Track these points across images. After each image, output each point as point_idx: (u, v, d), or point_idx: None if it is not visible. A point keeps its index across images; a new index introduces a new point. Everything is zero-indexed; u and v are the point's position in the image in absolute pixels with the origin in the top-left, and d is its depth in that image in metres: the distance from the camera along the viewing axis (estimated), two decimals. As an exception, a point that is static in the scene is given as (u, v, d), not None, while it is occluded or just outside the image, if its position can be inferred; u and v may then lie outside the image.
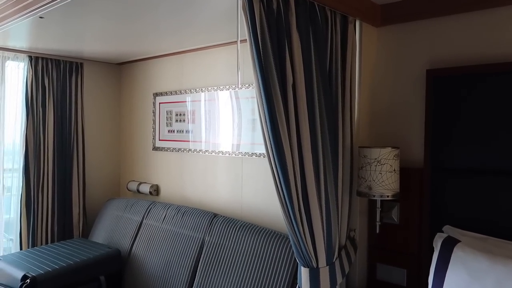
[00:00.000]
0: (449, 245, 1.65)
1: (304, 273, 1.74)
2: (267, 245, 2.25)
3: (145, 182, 3.49)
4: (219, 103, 2.92)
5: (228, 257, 2.39)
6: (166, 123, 3.35)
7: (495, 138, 1.75)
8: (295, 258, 2.11)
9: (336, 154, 1.82)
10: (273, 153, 1.57)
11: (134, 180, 3.62)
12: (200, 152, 3.06)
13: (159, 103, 3.40)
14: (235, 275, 2.31)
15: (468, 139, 1.82)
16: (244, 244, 2.35)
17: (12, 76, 3.14)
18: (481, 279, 1.47)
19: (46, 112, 3.21)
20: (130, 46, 3.00)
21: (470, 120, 1.81)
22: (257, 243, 2.29)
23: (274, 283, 2.14)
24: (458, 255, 1.58)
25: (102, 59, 3.56)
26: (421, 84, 2.03)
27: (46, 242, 3.23)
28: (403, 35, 2.11)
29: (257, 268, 2.24)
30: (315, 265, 1.73)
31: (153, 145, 3.46)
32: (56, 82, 3.27)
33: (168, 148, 3.32)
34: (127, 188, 3.62)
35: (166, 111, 3.34)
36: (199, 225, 2.64)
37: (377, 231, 2.01)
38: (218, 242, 2.48)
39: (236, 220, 2.53)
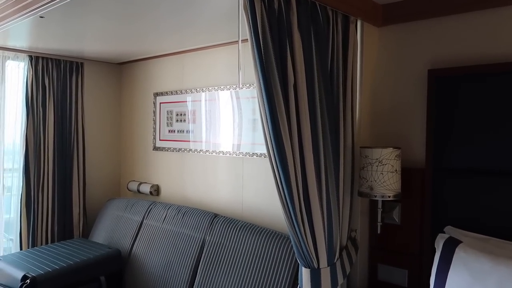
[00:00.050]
0: (451, 246, 1.64)
1: (305, 274, 1.73)
2: (267, 246, 2.25)
3: (146, 182, 3.49)
4: (219, 103, 2.92)
5: (229, 257, 2.38)
6: (167, 123, 3.34)
7: (497, 138, 1.74)
8: (295, 259, 2.10)
9: (338, 154, 1.81)
10: (274, 153, 1.56)
11: (134, 180, 3.61)
12: (201, 152, 3.05)
13: (160, 103, 3.40)
14: (235, 275, 2.30)
15: (470, 139, 1.81)
16: (245, 244, 2.34)
17: (12, 75, 3.13)
18: (483, 280, 1.47)
19: (46, 112, 3.20)
20: (131, 46, 3.00)
21: (472, 120, 1.81)
22: (258, 243, 2.29)
23: (275, 284, 2.13)
24: (460, 256, 1.58)
25: (102, 59, 3.55)
26: (423, 84, 2.03)
27: (46, 242, 3.23)
28: (405, 35, 2.10)
29: (257, 269, 2.23)
30: (316, 266, 1.72)
31: (154, 145, 3.46)
32: (57, 82, 3.27)
33: (169, 148, 3.32)
34: (127, 188, 3.61)
35: (167, 111, 3.34)
36: (200, 225, 2.63)
37: (378, 232, 2.01)
38: (219, 242, 2.47)
39: (237, 220, 2.52)
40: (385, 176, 1.84)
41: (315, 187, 1.65)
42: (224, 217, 2.60)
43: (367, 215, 2.12)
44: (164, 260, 2.68)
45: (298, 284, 1.82)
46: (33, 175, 3.15)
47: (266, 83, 1.52)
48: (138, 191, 3.48)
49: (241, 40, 1.76)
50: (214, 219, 2.61)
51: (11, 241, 3.19)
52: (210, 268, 2.44)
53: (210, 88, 2.98)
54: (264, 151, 2.62)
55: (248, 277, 2.24)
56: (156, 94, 3.43)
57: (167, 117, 3.34)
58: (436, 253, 1.71)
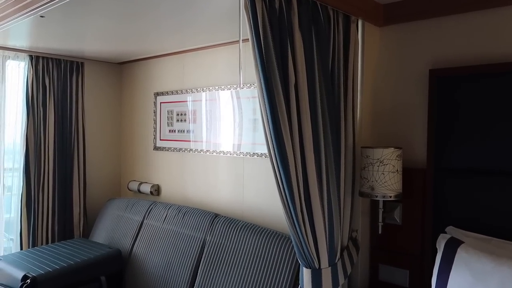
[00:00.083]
0: (453, 246, 1.64)
1: (306, 274, 1.73)
2: (268, 246, 2.24)
3: (146, 182, 3.48)
4: (220, 103, 2.91)
5: (230, 257, 2.38)
6: (167, 122, 3.34)
7: (498, 138, 1.74)
8: (296, 259, 2.10)
9: (339, 154, 1.81)
10: (275, 153, 1.56)
11: (135, 180, 3.61)
12: (201, 152, 3.05)
13: (160, 102, 3.40)
14: (236, 275, 2.30)
15: (471, 139, 1.81)
16: (246, 244, 2.34)
17: (13, 75, 3.13)
18: (485, 281, 1.46)
19: (46, 111, 3.20)
20: (131, 46, 2.99)
21: (473, 120, 1.80)
22: (259, 244, 2.28)
23: (276, 284, 2.13)
24: (461, 257, 1.57)
25: (103, 59, 3.55)
26: (424, 84, 2.02)
27: (47, 242, 3.22)
28: (406, 34, 2.10)
29: (258, 269, 2.22)
30: (317, 266, 1.71)
31: (154, 144, 3.45)
32: (57, 82, 3.26)
33: (169, 148, 3.31)
34: (127, 188, 3.61)
35: (167, 111, 3.34)
36: (200, 225, 2.63)
37: (380, 232, 2.00)
38: (219, 242, 2.46)
39: (238, 220, 2.52)
40: (386, 176, 1.84)
41: (316, 187, 1.65)
42: (225, 217, 2.59)
43: (368, 215, 2.12)
44: (165, 260, 2.67)
45: (299, 284, 1.81)
46: (34, 174, 3.15)
47: (267, 83, 1.51)
48: (139, 191, 3.48)
49: (242, 40, 1.75)
50: (214, 219, 2.61)
51: (12, 241, 3.19)
52: (211, 268, 2.43)
53: (210, 88, 2.97)
54: (265, 151, 2.62)
55: (249, 278, 2.24)
56: (157, 94, 3.42)
57: (167, 117, 3.34)
58: (437, 253, 1.71)
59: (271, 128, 1.54)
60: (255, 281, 2.21)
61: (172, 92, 3.28)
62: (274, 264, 2.18)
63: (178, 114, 3.25)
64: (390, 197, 1.84)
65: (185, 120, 3.19)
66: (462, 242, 1.64)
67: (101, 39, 2.79)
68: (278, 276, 2.13)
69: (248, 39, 1.52)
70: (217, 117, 2.93)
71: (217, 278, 2.38)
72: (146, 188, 3.40)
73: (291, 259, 2.13)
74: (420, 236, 1.97)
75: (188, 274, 2.52)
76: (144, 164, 3.57)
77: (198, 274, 2.48)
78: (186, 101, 3.17)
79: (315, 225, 1.67)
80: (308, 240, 1.66)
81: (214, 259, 2.44)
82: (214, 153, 2.95)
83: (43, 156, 3.19)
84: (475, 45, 1.89)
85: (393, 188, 1.85)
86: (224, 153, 2.88)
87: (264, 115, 1.55)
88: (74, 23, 2.35)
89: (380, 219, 1.98)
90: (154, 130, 3.45)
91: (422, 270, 1.95)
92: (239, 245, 2.36)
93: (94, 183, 3.62)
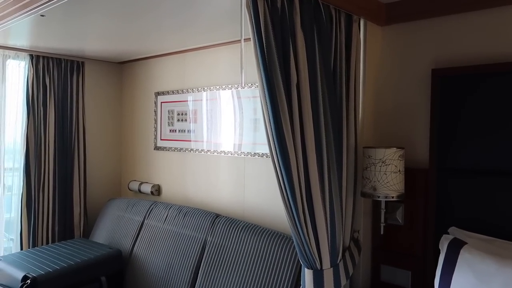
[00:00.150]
0: (456, 247, 1.62)
1: (307, 275, 1.72)
2: (269, 246, 2.23)
3: (147, 182, 3.47)
4: (221, 103, 2.90)
5: (230, 258, 2.37)
6: (168, 122, 3.33)
7: (502, 138, 1.72)
8: (298, 259, 2.09)
9: (341, 154, 1.80)
10: (277, 153, 1.55)
11: (135, 180, 3.60)
12: (202, 152, 3.04)
13: (161, 102, 3.39)
14: (237, 276, 2.29)
15: (474, 139, 1.80)
16: (247, 245, 2.33)
17: (13, 75, 3.12)
18: (489, 283, 1.45)
19: (47, 111, 3.19)
20: (132, 45, 2.98)
21: (476, 120, 1.79)
22: (260, 244, 2.27)
23: (277, 285, 2.12)
24: (465, 258, 1.56)
25: (103, 58, 3.54)
26: (426, 84, 2.01)
27: (47, 242, 3.22)
28: (408, 34, 2.09)
29: (259, 270, 2.21)
30: (319, 267, 1.70)
31: (155, 144, 3.44)
32: (57, 81, 3.25)
33: (170, 148, 3.30)
34: (128, 188, 3.60)
35: (168, 111, 3.33)
36: (201, 226, 2.62)
37: (382, 232, 1.99)
38: (220, 243, 2.45)
39: (239, 220, 2.51)
40: (388, 177, 1.83)
41: (318, 187, 1.64)
42: (226, 217, 2.58)
43: (370, 215, 2.11)
44: (165, 261, 2.66)
45: (300, 285, 1.80)
46: (34, 174, 3.14)
47: (268, 83, 1.50)
48: (139, 191, 3.47)
49: (244, 39, 1.74)
50: (215, 219, 2.60)
51: (12, 241, 3.18)
52: (212, 269, 2.42)
53: (211, 88, 2.96)
54: (266, 151, 2.61)
55: (250, 278, 2.23)
56: (157, 94, 3.41)
57: (168, 117, 3.33)
58: (440, 254, 1.69)
59: (272, 128, 1.53)
60: (256, 282, 2.20)
61: (172, 92, 3.27)
62: (276, 265, 2.16)
63: (178, 114, 3.24)
64: (392, 197, 1.83)
65: (185, 120, 3.18)
66: (465, 243, 1.63)
67: (101, 39, 2.78)
68: (280, 277, 2.12)
69: (250, 38, 1.51)
70: (218, 116, 2.92)
71: (218, 279, 2.37)
72: (146, 188, 3.39)
73: (292, 259, 2.12)
74: (423, 237, 1.96)
75: (189, 275, 2.51)
76: (144, 164, 3.56)
77: (199, 275, 2.47)
78: (187, 100, 3.16)
79: (317, 225, 1.66)
80: (310, 240, 1.65)
81: (215, 260, 2.43)
82: (215, 153, 2.94)
83: (44, 156, 3.19)
84: (478, 44, 1.88)
85: (395, 188, 1.83)
86: (225, 153, 2.87)
87: (266, 115, 1.54)
88: (75, 22, 2.34)
89: (382, 220, 1.97)
90: (155, 130, 3.44)
91: (424, 271, 1.94)
92: (240, 246, 2.35)
93: (94, 183, 3.61)
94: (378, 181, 1.84)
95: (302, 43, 1.58)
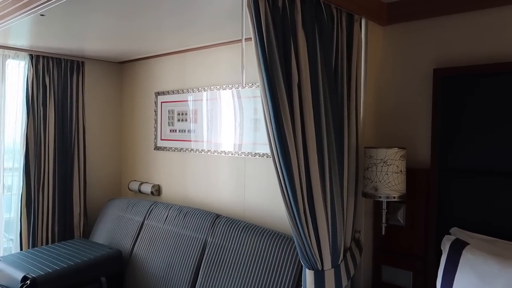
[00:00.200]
0: (458, 247, 1.62)
1: (309, 276, 1.71)
2: (270, 247, 2.22)
3: (147, 182, 3.47)
4: (221, 103, 2.90)
5: (231, 258, 2.36)
6: (168, 122, 3.32)
7: (504, 138, 1.72)
8: (299, 260, 2.08)
9: (342, 154, 1.79)
10: (278, 153, 1.54)
11: (135, 180, 3.59)
12: (202, 152, 3.03)
13: (161, 102, 3.38)
14: (237, 277, 2.28)
15: (476, 139, 1.79)
16: (247, 245, 2.32)
17: (13, 74, 3.12)
18: (491, 283, 1.44)
19: (47, 111, 3.18)
20: (132, 45, 2.98)
21: (478, 120, 1.78)
22: (260, 245, 2.26)
23: (278, 286, 2.11)
24: (467, 258, 1.55)
25: (103, 58, 3.53)
26: (428, 84, 2.00)
27: (47, 243, 3.21)
28: (410, 33, 2.08)
29: (260, 270, 2.21)
30: (320, 268, 1.70)
31: (155, 144, 3.43)
32: (57, 81, 3.25)
33: (170, 148, 3.29)
34: (128, 188, 3.59)
35: (168, 110, 3.32)
36: (202, 226, 2.61)
37: (383, 233, 1.98)
38: (221, 243, 2.45)
39: (239, 221, 2.50)
40: (390, 177, 1.82)
41: (319, 187, 1.63)
42: (226, 217, 2.58)
43: (371, 216, 2.10)
44: (166, 261, 2.66)
45: (301, 286, 1.79)
46: (34, 174, 3.13)
47: (270, 82, 1.49)
48: (139, 191, 3.46)
49: (245, 39, 1.73)
50: (216, 219, 2.59)
51: (11, 241, 3.18)
52: (212, 269, 2.41)
53: (212, 88, 2.95)
54: (266, 151, 2.60)
55: (251, 279, 2.22)
56: (158, 94, 3.40)
57: (168, 117, 3.32)
58: (442, 255, 1.69)
59: (273, 128, 1.52)
60: (257, 283, 2.19)
61: (173, 92, 3.27)
62: (276, 265, 2.16)
63: (179, 114, 3.23)
64: (394, 197, 1.82)
65: (186, 120, 3.17)
66: (468, 244, 1.62)
67: (101, 38, 2.77)
68: (280, 278, 2.12)
69: (251, 38, 1.50)
70: (218, 116, 2.91)
71: (218, 279, 2.36)
72: (146, 188, 3.39)
73: (293, 260, 2.11)
74: (424, 237, 1.95)
75: (189, 276, 2.50)
76: (144, 164, 3.55)
77: (199, 275, 2.46)
78: (187, 100, 3.16)
79: (318, 226, 1.65)
80: (311, 241, 1.64)
81: (215, 260, 2.42)
82: (215, 153, 2.93)
83: (43, 156, 3.18)
84: (480, 44, 1.87)
85: (397, 188, 1.83)
86: (225, 153, 2.86)
87: (267, 115, 1.53)
88: (75, 22, 2.33)
89: (384, 220, 1.97)
90: (155, 130, 3.43)
91: (426, 271, 1.93)
92: (241, 246, 2.35)
93: (94, 183, 3.60)
94: (380, 181, 1.83)
95: (304, 42, 1.58)
